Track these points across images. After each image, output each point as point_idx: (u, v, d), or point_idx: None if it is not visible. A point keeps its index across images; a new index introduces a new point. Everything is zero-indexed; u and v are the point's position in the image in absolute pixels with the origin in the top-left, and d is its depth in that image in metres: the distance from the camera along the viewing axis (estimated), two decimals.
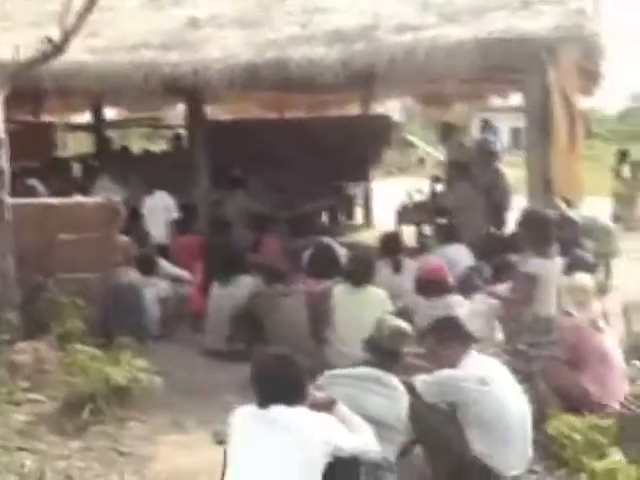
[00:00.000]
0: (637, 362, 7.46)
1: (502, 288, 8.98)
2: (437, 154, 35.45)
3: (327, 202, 15.25)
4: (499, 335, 8.00)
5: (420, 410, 6.15)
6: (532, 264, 6.81)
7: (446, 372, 6.13)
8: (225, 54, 11.34)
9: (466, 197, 12.42)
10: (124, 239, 9.70)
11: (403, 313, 8.41)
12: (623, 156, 18.19)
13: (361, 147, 16.56)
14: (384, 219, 17.27)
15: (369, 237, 15.59)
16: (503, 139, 46.33)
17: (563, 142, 11.81)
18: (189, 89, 11.75)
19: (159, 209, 11.95)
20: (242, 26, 12.18)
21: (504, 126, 45.44)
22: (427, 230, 13.71)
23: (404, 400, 5.98)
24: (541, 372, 6.94)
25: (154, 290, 9.93)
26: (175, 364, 8.78)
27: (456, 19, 11.16)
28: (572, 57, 11.75)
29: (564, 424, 6.64)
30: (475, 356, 6.24)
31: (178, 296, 10.23)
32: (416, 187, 14.65)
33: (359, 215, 18.61)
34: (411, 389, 6.17)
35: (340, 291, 8.65)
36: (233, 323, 8.88)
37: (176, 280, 10.50)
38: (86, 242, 9.08)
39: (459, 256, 10.60)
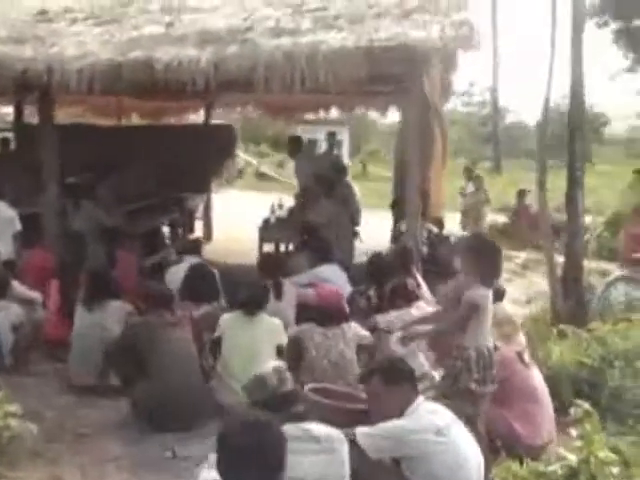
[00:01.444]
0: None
1: (397, 314, 8.21)
2: (257, 165, 34.68)
3: (175, 215, 14.01)
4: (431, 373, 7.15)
5: (361, 467, 5.19)
6: (477, 293, 5.98)
7: (395, 423, 5.22)
8: (83, 51, 10.02)
9: (333, 213, 11.55)
10: None
11: (295, 343, 7.54)
12: (469, 172, 17.95)
13: (203, 157, 15.44)
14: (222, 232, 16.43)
15: (210, 251, 14.61)
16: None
17: (438, 156, 11.28)
18: (40, 88, 10.29)
19: (1, 221, 10.35)
20: (98, 22, 10.88)
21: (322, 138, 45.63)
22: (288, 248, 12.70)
23: (345, 451, 5.00)
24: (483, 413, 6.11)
25: (6, 315, 8.48)
26: (40, 403, 7.54)
27: (334, 25, 10.26)
28: (439, 69, 11.23)
29: (509, 474, 5.85)
30: (424, 402, 5.35)
31: (32, 322, 8.79)
32: (277, 200, 13.66)
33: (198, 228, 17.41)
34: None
35: (230, 320, 7.61)
36: (107, 356, 7.60)
37: (27, 303, 9.03)
38: None
39: (334, 278, 9.71)
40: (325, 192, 11.83)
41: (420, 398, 5.34)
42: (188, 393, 7.01)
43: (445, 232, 11.59)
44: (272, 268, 9.01)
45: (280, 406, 5.81)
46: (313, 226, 11.01)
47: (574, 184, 10.39)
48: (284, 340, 7.58)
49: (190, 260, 9.73)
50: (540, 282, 12.50)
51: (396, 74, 9.94)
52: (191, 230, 15.90)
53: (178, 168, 14.62)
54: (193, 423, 7.07)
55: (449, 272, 10.74)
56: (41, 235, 10.95)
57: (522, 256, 14.88)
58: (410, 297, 8.35)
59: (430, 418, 5.17)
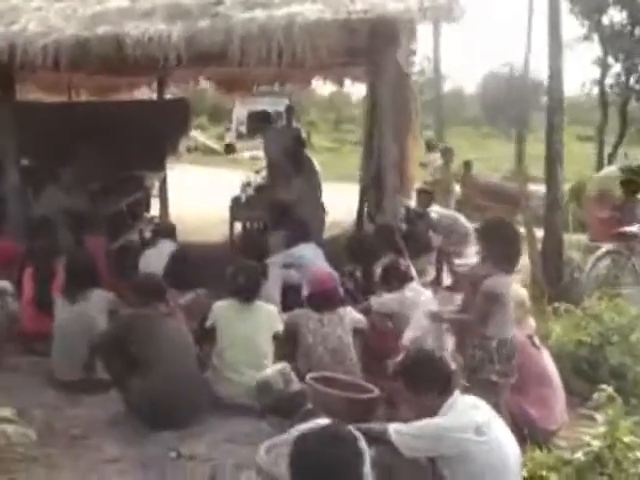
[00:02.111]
0: None
1: (392, 297, 7.90)
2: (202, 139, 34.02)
3: (136, 195, 13.42)
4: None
5: (395, 465, 4.86)
6: (497, 281, 5.67)
7: (431, 421, 4.86)
8: (46, 27, 9.44)
9: (302, 190, 11.16)
10: None
11: (290, 329, 7.20)
12: (432, 145, 17.61)
13: (159, 134, 14.84)
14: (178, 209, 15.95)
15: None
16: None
17: (414, 129, 10.96)
18: (0, 66, 9.68)
19: None
20: None
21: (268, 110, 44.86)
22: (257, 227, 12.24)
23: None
24: (505, 404, 5.82)
25: None
26: (24, 401, 7.04)
27: None
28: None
29: (533, 462, 5.60)
30: (462, 396, 5.01)
31: (6, 313, 8.26)
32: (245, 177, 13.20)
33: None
34: (376, 439, 4.86)
35: (225, 308, 7.20)
36: (95, 350, 7.13)
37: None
38: None
39: (313, 257, 9.35)
40: (295, 168, 11.39)
41: (456, 392, 4.99)
42: (186, 388, 6.62)
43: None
44: (255, 249, 8.62)
45: (290, 408, 5.66)
46: (285, 204, 10.57)
47: (554, 156, 10.16)
48: (280, 327, 7.20)
49: (165, 243, 9.29)
50: None
51: (371, 46, 9.57)
52: (147, 209, 15.34)
53: (133, 145, 14.05)
54: (191, 419, 6.69)
55: (428, 249, 10.55)
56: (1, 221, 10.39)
57: None
58: (403, 278, 8.03)
59: (469, 415, 4.83)
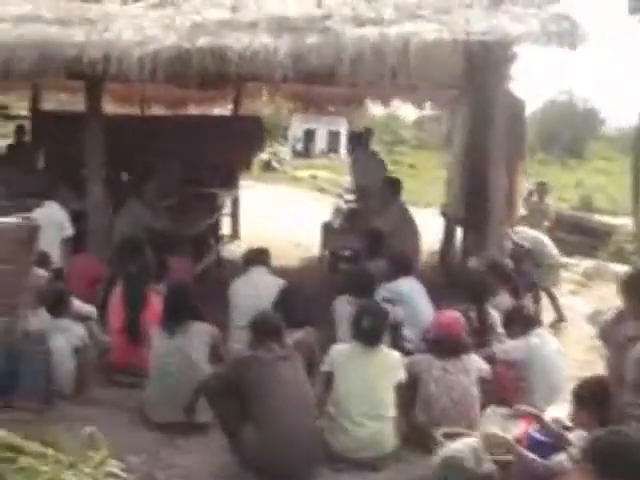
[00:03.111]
0: None
1: (517, 344, 7.13)
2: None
3: (219, 215, 12.72)
4: None
5: None
6: None
7: None
8: (142, 37, 8.76)
9: (401, 217, 10.38)
10: (39, 271, 7.05)
11: (411, 377, 6.43)
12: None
13: (234, 150, 14.19)
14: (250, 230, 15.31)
15: (237, 250, 13.45)
16: (323, 143, 45.30)
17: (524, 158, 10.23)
18: (92, 76, 9.02)
19: (51, 224, 9.02)
20: (152, 5, 9.61)
21: (323, 129, 44.27)
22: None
23: None
24: None
25: (67, 338, 7.24)
26: (118, 443, 6.23)
27: (418, 15, 9.10)
28: None
29: None
30: None
31: (95, 343, 7.57)
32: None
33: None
34: None
35: (344, 352, 6.46)
36: (203, 394, 6.38)
37: (83, 319, 7.79)
38: None
39: (414, 294, 8.55)
40: (391, 193, 10.61)
41: None
42: (304, 441, 5.87)
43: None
44: (362, 281, 7.87)
45: None
46: (381, 232, 9.78)
47: None
48: (403, 376, 6.43)
49: (258, 271, 8.49)
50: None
51: (482, 69, 8.87)
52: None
53: (209, 161, 13.45)
54: (307, 474, 5.93)
55: (532, 287, 9.73)
56: (83, 238, 9.70)
57: (580, 263, 13.68)
58: (529, 322, 7.27)
59: None
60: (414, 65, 8.38)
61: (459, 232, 11.86)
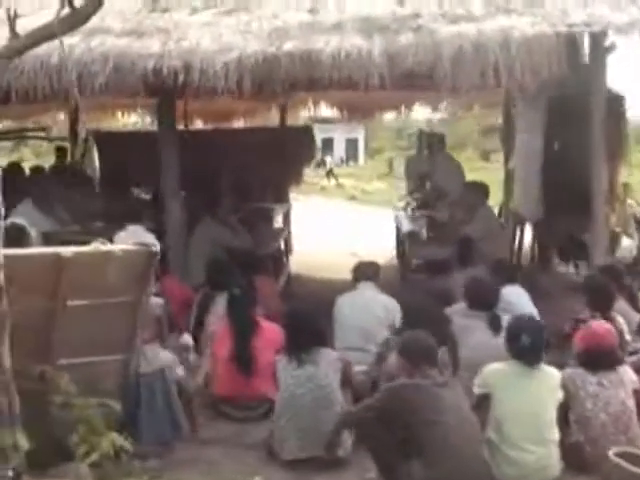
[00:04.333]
0: None
1: None
2: None
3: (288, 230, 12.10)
4: None
5: None
6: None
7: None
8: (221, 44, 8.12)
9: (491, 223, 9.74)
10: (157, 301, 6.38)
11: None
12: None
13: (285, 162, 13.56)
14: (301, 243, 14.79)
15: (302, 266, 13.19)
16: (341, 151, 44.53)
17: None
18: (169, 89, 8.37)
19: None
20: (224, 11, 8.98)
21: (341, 137, 43.49)
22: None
23: None
24: None
25: (169, 372, 6.55)
26: None
27: (508, 9, 8.50)
28: None
29: None
30: None
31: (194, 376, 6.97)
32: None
33: None
34: None
35: (501, 372, 5.84)
36: (342, 426, 5.73)
37: (181, 351, 7.15)
38: (107, 309, 5.69)
39: (519, 302, 7.89)
40: (478, 198, 9.97)
41: None
42: (478, 475, 5.22)
43: None
44: (488, 295, 7.20)
45: None
46: (471, 240, 9.13)
47: None
48: (561, 395, 5.81)
49: (366, 287, 7.84)
50: None
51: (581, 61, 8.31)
52: None
53: (262, 175, 12.79)
54: None
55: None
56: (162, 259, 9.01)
57: None
58: None
59: None
60: (517, 62, 7.76)
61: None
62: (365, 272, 7.96)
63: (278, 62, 7.91)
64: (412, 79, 8.14)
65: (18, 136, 17.17)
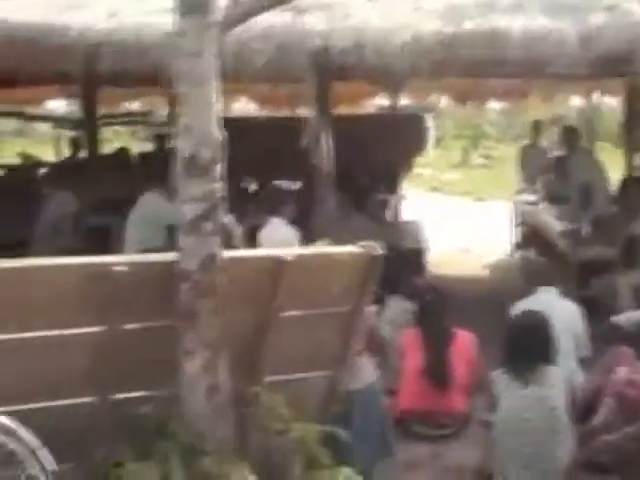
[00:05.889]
0: None
1: None
2: None
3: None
4: None
5: None
6: None
7: None
8: (393, 23, 7.25)
9: None
10: (371, 310, 5.54)
11: None
12: None
13: (396, 152, 12.67)
14: None
15: None
16: None
17: None
18: (331, 70, 7.52)
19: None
20: None
21: None
22: None
23: None
24: None
25: None
26: None
27: None
28: None
29: None
30: None
31: None
32: None
33: None
34: None
35: None
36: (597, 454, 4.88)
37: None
38: (322, 321, 4.87)
39: None
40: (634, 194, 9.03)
41: None
42: None
43: None
44: None
45: None
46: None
47: None
48: None
49: (546, 292, 6.88)
50: None
51: None
52: None
53: (371, 164, 11.93)
54: None
55: None
56: None
57: None
58: None
59: None
60: None
61: None
62: (544, 275, 7.03)
63: (458, 42, 7.01)
64: (605, 64, 7.16)
65: (124, 121, 16.38)
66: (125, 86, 12.05)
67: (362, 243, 4.92)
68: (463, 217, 16.43)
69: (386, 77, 8.75)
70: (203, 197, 4.14)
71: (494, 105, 24.35)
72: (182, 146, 4.17)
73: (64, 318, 4.10)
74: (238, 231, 6.67)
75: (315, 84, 8.04)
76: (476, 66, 7.32)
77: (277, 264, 4.59)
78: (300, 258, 4.68)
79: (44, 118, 16.57)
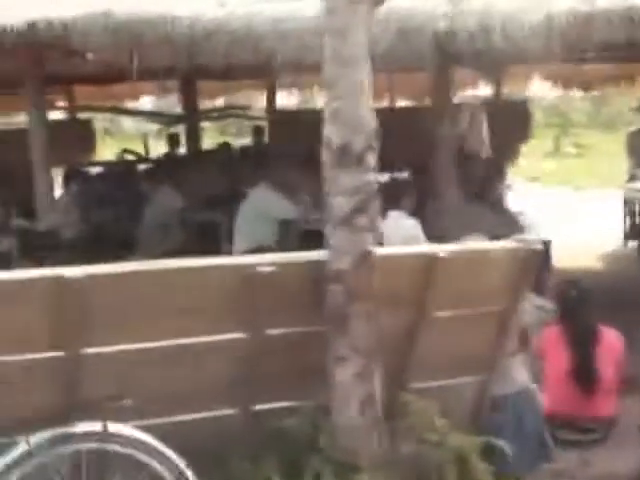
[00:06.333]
0: None
1: None
2: None
3: None
4: None
5: None
6: None
7: None
8: (522, 2, 6.73)
9: None
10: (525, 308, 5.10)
11: None
12: None
13: (500, 140, 12.11)
14: None
15: None
16: None
17: None
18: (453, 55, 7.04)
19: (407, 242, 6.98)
20: None
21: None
22: None
23: None
24: None
25: None
26: None
27: None
28: None
29: None
30: None
31: None
32: None
33: None
34: None
35: None
36: None
37: None
38: (474, 321, 4.45)
39: None
40: None
41: None
42: None
43: None
44: None
45: None
46: None
47: None
48: None
49: None
50: None
51: None
52: None
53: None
54: None
55: None
56: None
57: None
58: None
59: None
60: None
61: None
62: None
63: (592, 22, 6.47)
64: None
65: (223, 115, 16.11)
66: (225, 79, 11.78)
67: (517, 237, 4.50)
68: (566, 207, 15.82)
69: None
70: (356, 189, 3.76)
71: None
72: (331, 133, 3.79)
73: (208, 324, 3.79)
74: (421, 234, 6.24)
75: (436, 71, 7.67)
76: (610, 48, 6.77)
77: (431, 261, 4.21)
78: (455, 254, 4.30)
79: (142, 113, 16.37)
